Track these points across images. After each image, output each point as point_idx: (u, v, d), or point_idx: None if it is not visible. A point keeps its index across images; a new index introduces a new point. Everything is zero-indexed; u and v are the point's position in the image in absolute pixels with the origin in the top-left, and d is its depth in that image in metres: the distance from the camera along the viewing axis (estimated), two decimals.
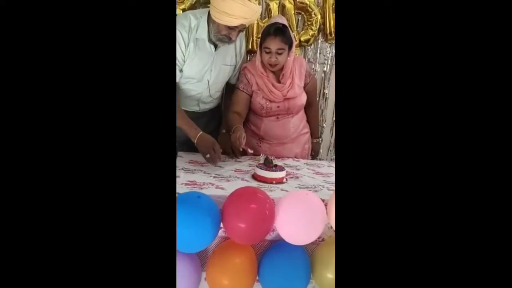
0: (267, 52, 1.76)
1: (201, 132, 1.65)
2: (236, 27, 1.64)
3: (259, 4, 2.14)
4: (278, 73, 1.85)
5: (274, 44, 1.73)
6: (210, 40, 1.73)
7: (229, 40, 1.69)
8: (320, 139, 2.21)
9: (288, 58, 1.81)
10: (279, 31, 1.73)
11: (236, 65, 1.91)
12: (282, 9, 2.19)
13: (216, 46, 1.76)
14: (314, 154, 2.13)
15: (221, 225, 1.19)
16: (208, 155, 1.59)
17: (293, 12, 2.20)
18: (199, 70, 1.77)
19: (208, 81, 1.81)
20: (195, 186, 1.35)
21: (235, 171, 1.61)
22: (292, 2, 2.19)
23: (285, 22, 1.80)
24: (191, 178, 1.43)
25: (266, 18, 2.20)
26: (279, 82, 1.85)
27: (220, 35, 1.67)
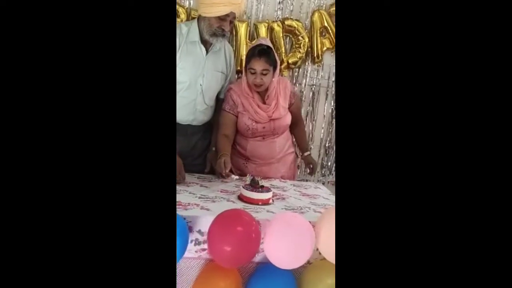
0: (252, 73, 1.79)
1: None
2: (227, 16, 1.70)
3: (248, 27, 2.19)
4: (263, 94, 1.88)
5: (258, 65, 1.76)
6: (202, 42, 1.78)
7: (222, 32, 1.73)
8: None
9: (273, 79, 1.84)
10: (263, 52, 1.77)
11: (228, 74, 1.94)
12: (270, 31, 2.23)
13: (207, 50, 1.80)
14: (313, 167, 2.02)
15: (206, 247, 1.17)
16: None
17: (281, 34, 2.23)
18: (192, 74, 1.80)
19: (201, 86, 1.83)
20: (180, 206, 1.33)
21: (221, 191, 1.59)
22: (281, 25, 2.23)
23: (270, 44, 1.85)
24: (176, 198, 1.41)
25: (255, 39, 2.23)
26: (264, 103, 1.87)
27: (213, 29, 1.72)
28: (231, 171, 1.71)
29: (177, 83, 1.76)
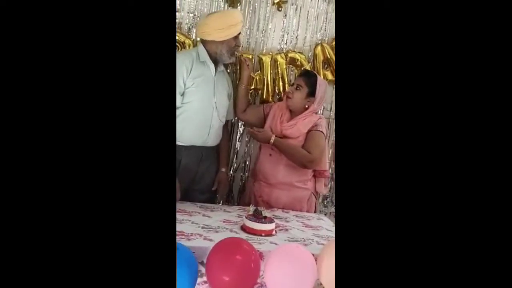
0: (291, 85, 2.08)
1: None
2: (239, 33, 1.92)
3: (252, 58, 2.25)
4: (293, 116, 2.01)
5: (296, 80, 2.05)
6: (213, 61, 1.92)
7: (238, 48, 1.98)
8: None
9: (306, 107, 1.98)
10: (307, 73, 2.07)
11: (230, 95, 2.06)
12: (274, 63, 2.27)
13: (215, 70, 1.94)
14: None
15: (206, 279, 1.16)
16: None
17: (284, 66, 2.28)
18: (206, 92, 1.89)
19: (215, 103, 1.92)
20: (183, 237, 1.32)
21: (223, 221, 1.59)
22: (284, 57, 2.28)
23: (320, 77, 2.07)
24: (179, 228, 1.40)
25: (258, 71, 2.27)
26: (287, 122, 2.00)
27: (232, 48, 1.92)
28: None
29: (191, 101, 1.85)
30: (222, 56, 1.91)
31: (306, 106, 1.99)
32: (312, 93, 1.98)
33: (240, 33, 1.94)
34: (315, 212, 2.09)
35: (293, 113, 2.02)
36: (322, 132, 1.97)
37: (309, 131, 1.96)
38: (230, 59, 1.96)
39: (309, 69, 2.19)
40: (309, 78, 1.99)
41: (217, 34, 1.85)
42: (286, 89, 2.26)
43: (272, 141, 1.89)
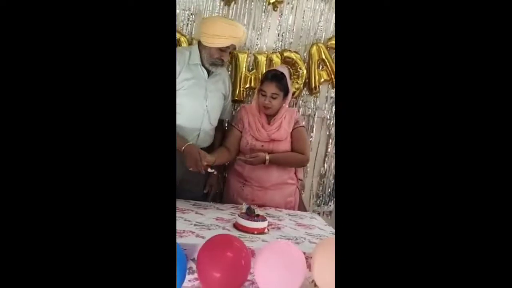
0: (262, 95, 1.91)
1: (189, 143, 1.77)
2: (227, 47, 1.81)
3: (247, 56, 2.25)
4: (270, 117, 1.98)
5: (269, 88, 1.89)
6: (203, 65, 1.86)
7: (221, 62, 1.84)
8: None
9: (284, 105, 1.95)
10: (276, 77, 1.90)
11: (227, 96, 2.02)
12: (269, 62, 2.27)
13: (208, 73, 1.87)
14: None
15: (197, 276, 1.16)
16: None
17: (280, 65, 2.28)
18: (197, 95, 1.85)
19: (206, 106, 1.88)
20: None
21: (216, 219, 1.58)
22: (279, 57, 2.28)
23: (285, 72, 1.97)
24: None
25: (254, 70, 2.27)
26: (268, 124, 1.96)
27: (213, 59, 1.82)
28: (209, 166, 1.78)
29: (182, 104, 1.79)
30: (203, 61, 1.85)
31: (283, 105, 1.97)
32: (286, 93, 1.94)
33: (228, 48, 1.82)
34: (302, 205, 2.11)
35: (270, 115, 1.98)
36: (303, 126, 2.04)
37: (293, 129, 1.97)
38: (211, 68, 1.85)
39: (274, 69, 2.01)
40: (281, 82, 1.90)
41: (203, 38, 1.81)
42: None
43: (267, 161, 1.86)
